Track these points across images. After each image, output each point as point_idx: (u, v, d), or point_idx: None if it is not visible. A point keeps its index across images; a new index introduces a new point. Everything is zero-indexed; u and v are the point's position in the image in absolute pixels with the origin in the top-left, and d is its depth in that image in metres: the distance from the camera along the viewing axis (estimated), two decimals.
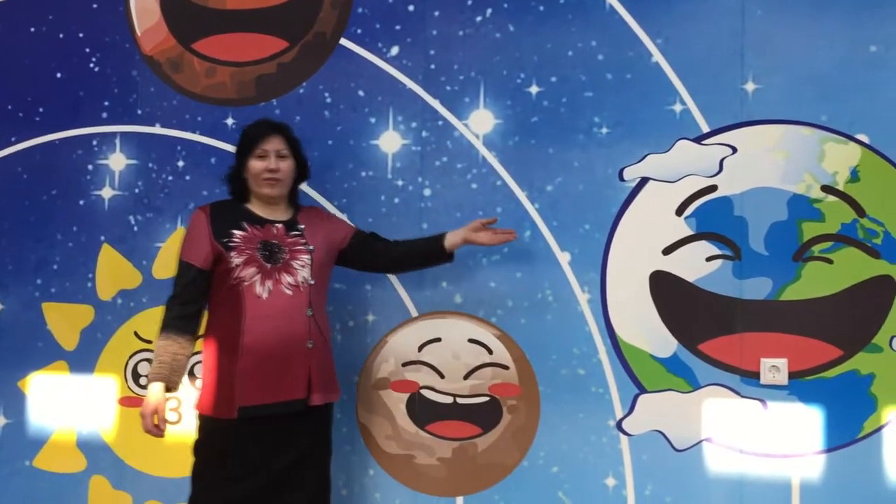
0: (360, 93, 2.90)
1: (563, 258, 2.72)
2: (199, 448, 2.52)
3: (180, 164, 3.01)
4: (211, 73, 3.01)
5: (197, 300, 2.52)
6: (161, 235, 3.01)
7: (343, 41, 2.92)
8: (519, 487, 2.72)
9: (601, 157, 2.70)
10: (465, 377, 2.77)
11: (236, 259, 2.47)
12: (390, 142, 2.87)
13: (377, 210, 2.86)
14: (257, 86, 2.97)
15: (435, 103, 2.84)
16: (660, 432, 2.61)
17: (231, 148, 2.96)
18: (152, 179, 3.03)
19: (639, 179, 2.68)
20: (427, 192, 2.83)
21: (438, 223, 2.81)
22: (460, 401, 2.77)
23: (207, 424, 2.51)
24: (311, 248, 2.55)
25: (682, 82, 2.66)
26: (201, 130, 3.00)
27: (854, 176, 2.53)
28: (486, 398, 2.76)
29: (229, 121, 2.98)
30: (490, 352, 2.76)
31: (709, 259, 2.60)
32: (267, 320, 2.45)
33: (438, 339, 2.79)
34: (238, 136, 2.65)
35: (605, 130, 2.71)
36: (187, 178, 3.00)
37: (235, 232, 2.50)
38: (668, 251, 2.64)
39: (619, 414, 2.65)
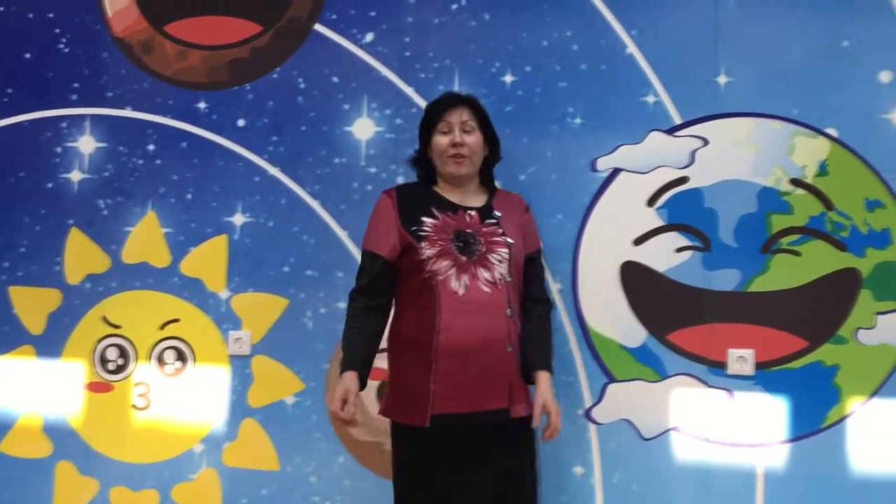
0: (335, 79, 2.88)
1: None
2: (395, 457, 2.31)
3: (151, 147, 2.98)
4: (183, 57, 2.98)
5: (384, 292, 2.31)
6: (131, 219, 2.98)
7: (318, 26, 2.90)
8: None
9: (574, 147, 2.71)
10: None
11: (428, 250, 2.23)
12: (364, 129, 2.85)
13: (350, 197, 2.85)
14: (230, 70, 2.94)
15: (409, 91, 2.83)
16: (628, 421, 2.63)
17: (203, 132, 2.96)
18: (122, 163, 2.99)
19: (611, 170, 2.69)
20: (400, 179, 2.82)
21: None
22: None
23: (399, 432, 2.29)
24: (510, 241, 2.30)
25: (655, 74, 2.67)
26: (173, 114, 2.97)
27: (823, 169, 2.56)
28: None
29: (201, 105, 2.95)
30: None
31: (679, 250, 2.62)
32: (465, 318, 2.20)
33: None
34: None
35: (578, 121, 2.72)
36: (158, 161, 2.97)
37: (425, 220, 2.27)
38: (638, 242, 2.66)
39: (588, 403, 2.67)
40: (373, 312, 2.32)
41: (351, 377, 2.26)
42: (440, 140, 2.35)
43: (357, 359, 2.29)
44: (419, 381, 2.24)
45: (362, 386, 2.30)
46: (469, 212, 2.32)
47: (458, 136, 2.33)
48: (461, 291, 2.23)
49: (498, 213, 2.35)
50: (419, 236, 2.26)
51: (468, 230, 2.29)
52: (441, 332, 2.22)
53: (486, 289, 2.24)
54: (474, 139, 2.35)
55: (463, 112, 2.36)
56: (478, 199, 2.38)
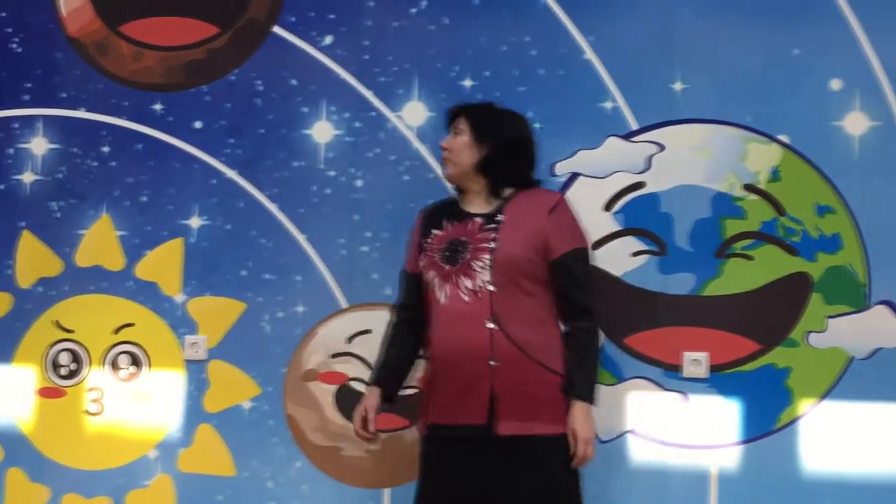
0: (293, 81, 2.87)
1: None
2: None
3: (105, 149, 2.94)
4: (138, 58, 2.94)
5: (416, 306, 2.28)
6: (84, 222, 2.93)
7: (276, 29, 2.89)
8: None
9: None
10: None
11: (422, 262, 2.25)
12: (323, 132, 2.84)
13: (308, 200, 2.84)
14: (186, 71, 2.92)
15: (368, 94, 2.83)
16: None
17: (159, 134, 2.93)
18: (76, 165, 2.95)
19: (569, 174, 2.71)
20: (359, 183, 2.82)
21: (370, 215, 2.80)
22: None
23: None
24: (492, 245, 2.17)
25: (612, 80, 2.70)
26: (128, 115, 2.94)
27: (775, 175, 2.60)
28: (415, 390, 2.75)
29: (157, 106, 2.92)
30: None
31: (635, 254, 2.65)
32: (445, 329, 2.17)
33: (368, 331, 2.78)
34: None
35: (537, 125, 2.70)
36: (112, 164, 2.94)
37: (434, 231, 2.26)
38: (596, 246, 2.66)
39: None
40: (404, 325, 2.34)
41: (371, 393, 2.30)
42: None
43: (382, 372, 2.33)
44: (426, 390, 2.28)
45: (390, 400, 2.32)
46: (474, 219, 2.24)
47: (445, 140, 2.31)
48: (443, 301, 2.19)
49: (501, 217, 2.22)
50: (424, 248, 2.27)
51: (462, 238, 2.21)
52: (432, 342, 2.23)
53: (466, 298, 2.16)
54: (456, 140, 2.28)
55: (458, 118, 2.32)
56: (487, 206, 2.26)
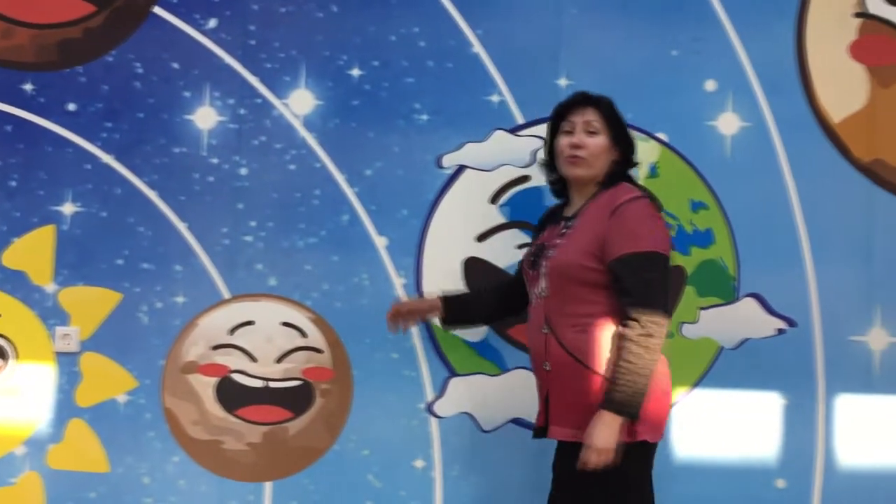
0: (175, 65, 2.78)
1: (381, 243, 2.73)
2: None
3: None
4: (7, 34, 2.79)
5: (513, 282, 2.42)
6: None
7: (156, 9, 2.79)
8: (329, 471, 2.70)
9: (420, 143, 2.73)
10: (278, 361, 2.73)
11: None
12: (206, 118, 2.77)
13: (190, 188, 2.76)
14: (60, 51, 2.78)
15: (254, 80, 2.77)
16: (468, 414, 2.68)
17: (30, 116, 2.79)
18: None
19: (456, 167, 2.73)
20: (243, 171, 2.76)
21: (254, 204, 2.75)
22: (272, 385, 2.72)
23: None
24: (549, 253, 2.19)
25: (499, 74, 2.73)
26: None
27: (653, 172, 2.69)
28: (299, 382, 2.73)
29: (28, 86, 2.78)
30: (304, 335, 2.73)
31: (519, 247, 2.68)
32: (528, 332, 2.28)
33: (251, 322, 2.73)
34: None
35: (424, 117, 2.74)
36: None
37: (540, 234, 2.32)
38: (481, 238, 2.71)
39: (429, 397, 2.69)
40: (498, 286, 2.51)
41: (428, 295, 2.54)
42: (561, 141, 2.24)
43: (451, 293, 2.51)
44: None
45: (444, 321, 2.48)
46: (562, 222, 2.24)
47: (578, 137, 2.19)
48: (530, 305, 2.27)
49: (571, 223, 2.20)
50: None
51: (545, 243, 2.24)
52: None
53: (534, 303, 2.22)
54: (596, 141, 2.19)
55: (588, 112, 2.21)
56: (576, 206, 2.24)
